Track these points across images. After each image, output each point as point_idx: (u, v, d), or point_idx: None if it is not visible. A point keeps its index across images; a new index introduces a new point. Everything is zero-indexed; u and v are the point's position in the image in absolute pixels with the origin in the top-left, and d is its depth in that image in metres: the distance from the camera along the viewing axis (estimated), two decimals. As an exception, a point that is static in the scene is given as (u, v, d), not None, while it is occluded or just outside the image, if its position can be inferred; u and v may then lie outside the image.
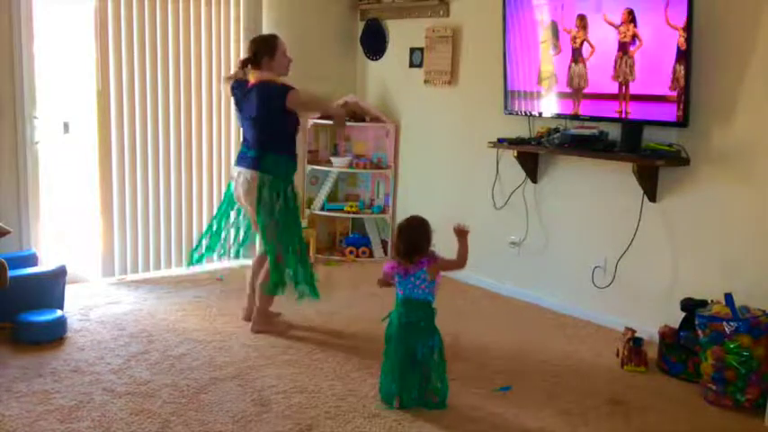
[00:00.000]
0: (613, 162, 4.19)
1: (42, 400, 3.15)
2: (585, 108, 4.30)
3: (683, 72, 3.77)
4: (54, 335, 3.84)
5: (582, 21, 4.21)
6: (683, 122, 3.85)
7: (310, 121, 5.67)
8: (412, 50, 5.64)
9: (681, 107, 3.81)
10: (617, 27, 4.03)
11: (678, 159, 3.95)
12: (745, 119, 3.73)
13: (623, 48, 4.03)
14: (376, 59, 5.95)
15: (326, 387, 3.41)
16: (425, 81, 5.50)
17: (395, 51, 5.79)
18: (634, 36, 3.95)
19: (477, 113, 5.15)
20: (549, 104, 4.52)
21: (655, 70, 3.91)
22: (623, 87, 4.07)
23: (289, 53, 4.06)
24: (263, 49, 3.96)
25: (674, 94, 3.84)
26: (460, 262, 3.27)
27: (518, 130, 4.79)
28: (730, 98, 3.77)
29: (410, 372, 3.20)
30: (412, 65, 5.65)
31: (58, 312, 3.93)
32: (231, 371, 3.55)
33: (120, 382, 3.37)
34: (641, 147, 4.06)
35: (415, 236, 3.23)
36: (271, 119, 3.95)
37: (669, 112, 3.88)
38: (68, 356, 3.65)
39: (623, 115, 4.09)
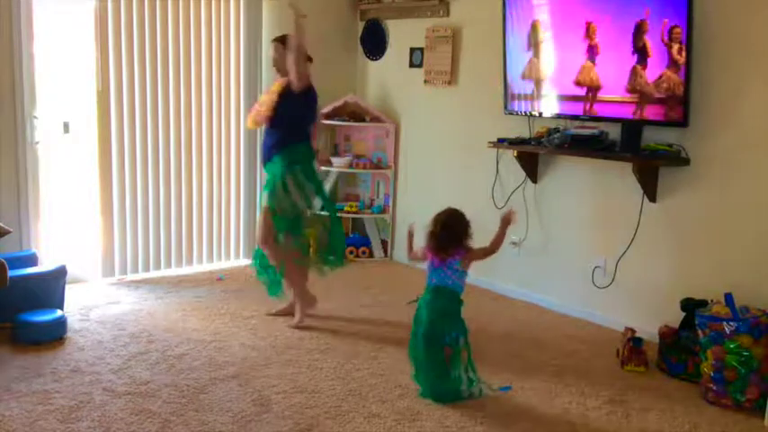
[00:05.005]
0: (613, 162, 4.19)
1: (42, 400, 3.15)
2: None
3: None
4: (54, 335, 3.84)
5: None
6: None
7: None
8: (412, 50, 5.64)
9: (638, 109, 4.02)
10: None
11: (678, 159, 3.95)
12: (745, 119, 3.73)
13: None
14: (376, 59, 5.95)
15: (326, 387, 3.41)
16: (425, 81, 5.50)
17: (395, 51, 5.79)
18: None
19: (477, 113, 5.15)
20: (549, 104, 4.53)
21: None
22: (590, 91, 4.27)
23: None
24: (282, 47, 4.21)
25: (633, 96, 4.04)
26: (494, 248, 3.40)
27: (518, 130, 4.79)
28: (730, 98, 3.77)
29: (433, 358, 3.28)
30: (412, 65, 5.65)
31: (58, 312, 3.93)
32: (231, 371, 3.55)
33: (120, 382, 3.37)
34: (641, 147, 4.06)
35: (455, 228, 3.32)
36: None
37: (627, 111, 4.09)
38: (68, 356, 3.65)
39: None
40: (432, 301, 3.33)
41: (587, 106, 4.28)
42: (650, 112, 3.98)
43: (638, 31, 3.94)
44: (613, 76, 4.12)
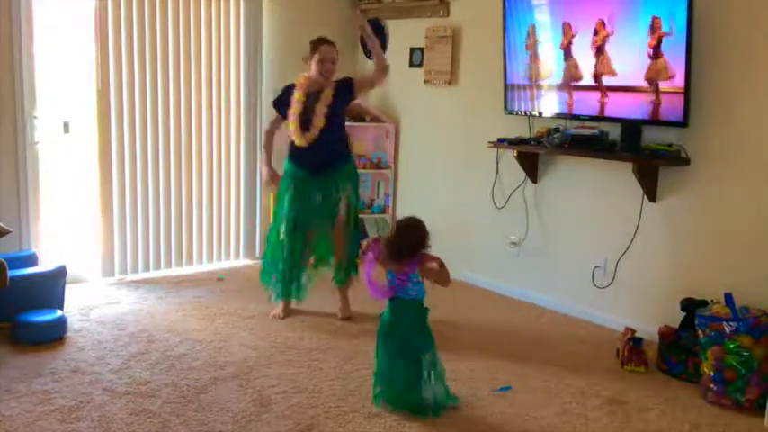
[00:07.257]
0: (613, 162, 4.19)
1: (42, 400, 3.15)
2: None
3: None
4: (54, 335, 3.84)
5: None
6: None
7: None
8: (412, 50, 5.64)
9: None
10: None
11: (678, 159, 3.95)
12: (745, 119, 3.73)
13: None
14: (376, 59, 5.94)
15: (326, 387, 3.41)
16: (425, 81, 5.50)
17: (395, 51, 5.78)
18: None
19: (477, 113, 5.15)
20: (549, 103, 4.53)
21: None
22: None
23: (332, 62, 4.19)
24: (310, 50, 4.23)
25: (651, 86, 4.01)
26: (443, 278, 3.17)
27: (518, 130, 4.79)
28: (730, 98, 3.77)
29: (398, 370, 3.15)
30: (412, 65, 5.65)
31: (58, 312, 3.93)
32: (231, 371, 3.55)
33: (120, 382, 3.37)
34: (641, 147, 4.06)
35: (411, 237, 3.18)
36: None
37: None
38: (68, 356, 3.65)
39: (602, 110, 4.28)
40: (398, 313, 3.19)
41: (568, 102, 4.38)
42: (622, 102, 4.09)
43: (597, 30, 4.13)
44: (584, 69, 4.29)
